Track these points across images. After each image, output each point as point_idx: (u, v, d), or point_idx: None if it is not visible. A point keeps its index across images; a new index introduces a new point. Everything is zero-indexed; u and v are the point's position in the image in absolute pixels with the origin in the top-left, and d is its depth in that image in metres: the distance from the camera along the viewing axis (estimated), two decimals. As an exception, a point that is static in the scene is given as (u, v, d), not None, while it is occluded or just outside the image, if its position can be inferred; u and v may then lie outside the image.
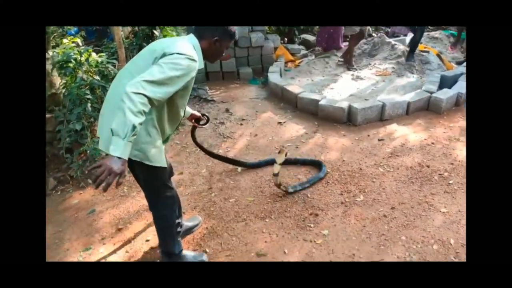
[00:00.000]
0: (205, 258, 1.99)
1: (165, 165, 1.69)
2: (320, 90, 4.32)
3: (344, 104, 3.52)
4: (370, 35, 5.96)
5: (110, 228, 2.36)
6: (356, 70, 4.81)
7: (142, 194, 2.68)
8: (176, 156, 3.16)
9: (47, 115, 3.02)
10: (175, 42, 1.54)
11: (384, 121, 3.51)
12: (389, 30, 6.31)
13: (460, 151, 2.91)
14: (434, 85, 3.86)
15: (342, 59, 5.00)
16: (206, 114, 2.20)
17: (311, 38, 6.09)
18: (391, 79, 4.44)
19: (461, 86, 3.78)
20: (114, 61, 3.19)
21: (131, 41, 5.63)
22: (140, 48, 5.18)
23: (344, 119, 3.53)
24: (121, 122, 1.29)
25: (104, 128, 1.57)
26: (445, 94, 3.60)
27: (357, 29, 4.72)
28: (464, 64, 4.49)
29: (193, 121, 2.17)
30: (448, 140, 3.09)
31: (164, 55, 1.47)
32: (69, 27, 9.03)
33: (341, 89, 4.32)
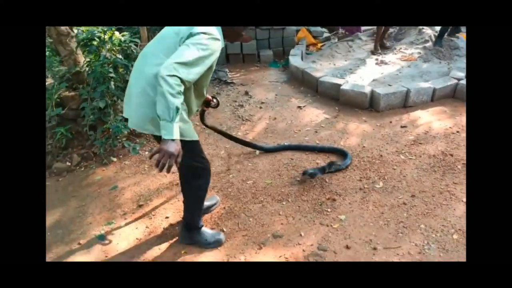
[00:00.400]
0: (222, 236, 2.03)
1: (197, 138, 1.75)
2: (342, 74, 4.22)
3: (367, 89, 3.44)
4: None
5: (131, 204, 2.43)
6: (381, 54, 4.66)
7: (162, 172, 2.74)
8: (195, 137, 3.19)
9: (72, 93, 3.09)
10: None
11: (408, 108, 3.41)
12: None
13: (487, 141, 2.81)
14: (462, 72, 3.71)
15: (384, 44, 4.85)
16: (216, 97, 2.15)
17: (334, 21, 5.93)
18: (417, 65, 4.29)
19: (491, 74, 3.61)
20: (137, 40, 3.21)
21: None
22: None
23: (366, 105, 3.45)
24: (165, 107, 1.36)
25: (133, 108, 1.61)
26: (474, 81, 3.46)
27: None
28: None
29: (203, 104, 2.15)
30: (475, 129, 2.98)
31: (190, 35, 1.49)
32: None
33: (364, 74, 4.21)
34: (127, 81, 2.95)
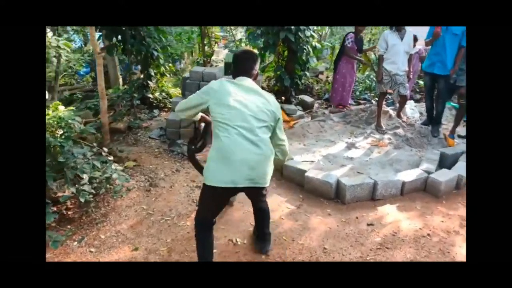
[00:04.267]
0: None
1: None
2: (311, 156, 4.04)
3: (332, 179, 3.21)
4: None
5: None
6: (386, 132, 4.55)
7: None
8: (137, 225, 2.80)
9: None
10: (277, 103, 2.08)
11: (376, 201, 3.16)
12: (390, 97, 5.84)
13: (460, 248, 2.53)
14: (433, 164, 3.57)
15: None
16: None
17: (308, 99, 5.97)
18: (387, 152, 4.18)
19: (461, 167, 3.47)
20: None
21: (125, 90, 5.52)
22: (132, 97, 5.07)
23: (332, 195, 3.20)
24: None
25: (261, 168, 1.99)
26: (444, 176, 3.29)
27: (384, 88, 4.53)
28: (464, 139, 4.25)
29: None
30: (447, 233, 2.72)
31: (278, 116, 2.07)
32: (78, 68, 9.14)
33: (333, 157, 4.04)
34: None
